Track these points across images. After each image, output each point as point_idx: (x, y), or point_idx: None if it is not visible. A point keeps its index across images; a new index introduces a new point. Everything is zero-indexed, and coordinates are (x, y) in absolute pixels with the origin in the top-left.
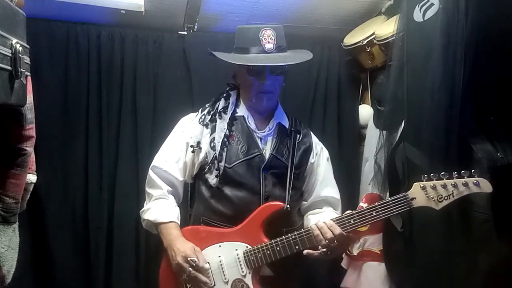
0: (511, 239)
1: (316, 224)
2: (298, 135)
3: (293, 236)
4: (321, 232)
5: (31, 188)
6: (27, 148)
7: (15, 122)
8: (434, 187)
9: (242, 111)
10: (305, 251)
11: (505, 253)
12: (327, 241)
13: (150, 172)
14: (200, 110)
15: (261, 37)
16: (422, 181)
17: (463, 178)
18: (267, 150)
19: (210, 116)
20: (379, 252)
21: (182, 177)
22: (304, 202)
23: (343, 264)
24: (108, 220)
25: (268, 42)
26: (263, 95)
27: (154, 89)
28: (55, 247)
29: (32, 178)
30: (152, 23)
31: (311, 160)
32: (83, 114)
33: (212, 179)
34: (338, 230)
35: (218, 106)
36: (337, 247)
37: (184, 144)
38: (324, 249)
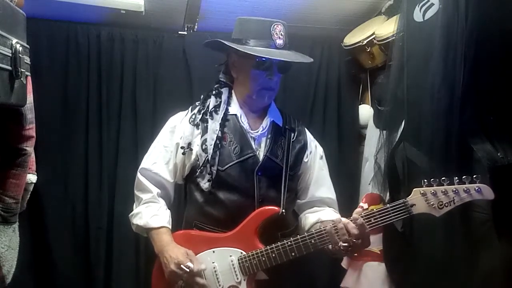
0: (511, 239)
1: (338, 220)
2: (293, 134)
3: (289, 243)
4: (346, 228)
5: (31, 188)
6: (27, 148)
7: (15, 122)
8: (434, 193)
9: (234, 109)
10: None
11: (505, 253)
12: (351, 237)
13: (139, 175)
14: (190, 109)
15: (272, 32)
16: (422, 187)
17: (465, 184)
18: (261, 151)
19: (201, 116)
20: (379, 252)
21: (172, 179)
22: (299, 201)
23: (343, 264)
24: (108, 220)
25: (279, 38)
26: (266, 92)
27: (154, 89)
28: (55, 247)
29: (32, 178)
30: (152, 23)
31: (305, 159)
32: (83, 114)
33: (204, 184)
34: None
35: (209, 104)
36: (359, 245)
37: (174, 145)
38: (345, 244)
